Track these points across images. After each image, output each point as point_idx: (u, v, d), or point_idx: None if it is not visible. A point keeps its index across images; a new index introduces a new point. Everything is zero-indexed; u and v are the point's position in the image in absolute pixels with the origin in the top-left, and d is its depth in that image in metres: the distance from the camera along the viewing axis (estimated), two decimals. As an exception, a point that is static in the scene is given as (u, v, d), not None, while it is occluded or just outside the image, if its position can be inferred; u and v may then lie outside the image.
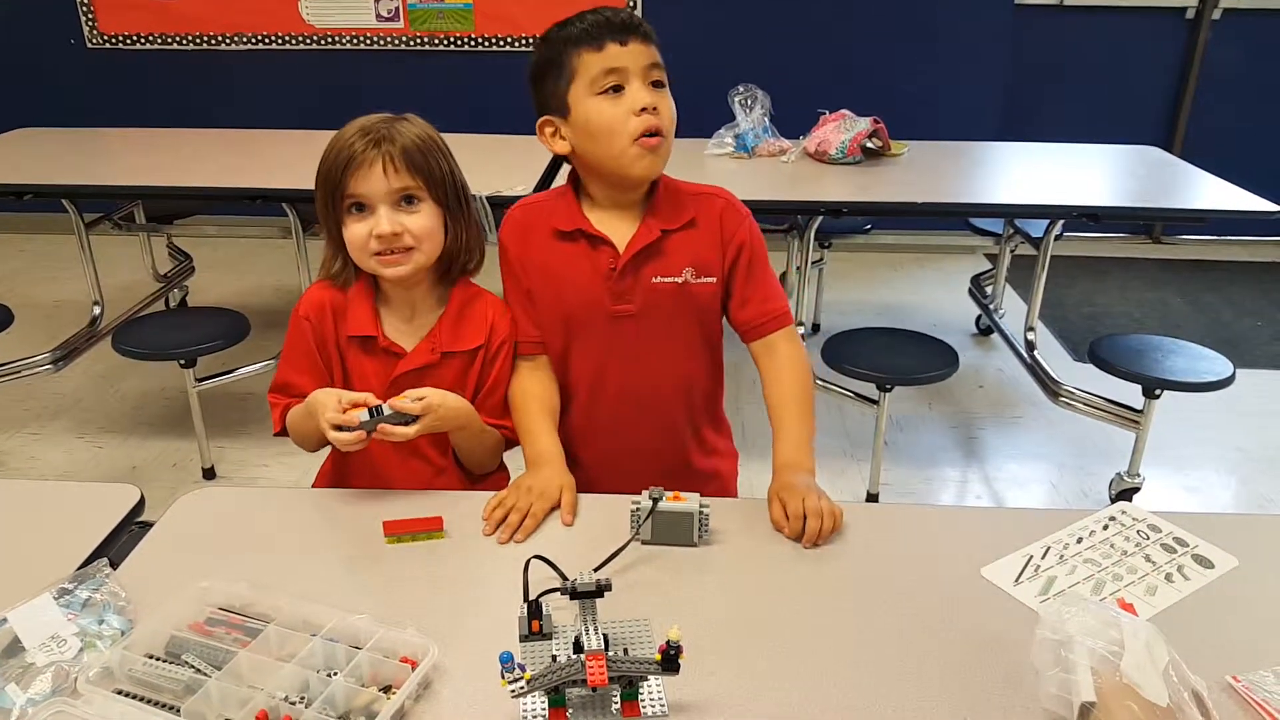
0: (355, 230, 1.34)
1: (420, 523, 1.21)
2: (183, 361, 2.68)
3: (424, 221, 1.34)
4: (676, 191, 1.45)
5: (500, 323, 1.44)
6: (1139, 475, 2.69)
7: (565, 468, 1.37)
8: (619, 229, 1.41)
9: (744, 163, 3.06)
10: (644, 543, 1.20)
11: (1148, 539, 1.22)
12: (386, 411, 1.24)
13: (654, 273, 1.41)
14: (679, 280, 1.42)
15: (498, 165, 2.88)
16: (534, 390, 1.45)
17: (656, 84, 1.35)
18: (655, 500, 1.18)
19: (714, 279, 1.43)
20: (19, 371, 3.00)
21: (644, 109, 1.32)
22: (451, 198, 1.37)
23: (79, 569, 1.11)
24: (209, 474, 2.82)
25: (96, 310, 3.26)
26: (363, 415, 1.24)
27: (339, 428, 1.24)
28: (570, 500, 1.29)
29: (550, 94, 1.37)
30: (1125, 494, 2.68)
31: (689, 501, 1.19)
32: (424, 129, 1.36)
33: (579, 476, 1.36)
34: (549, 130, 1.40)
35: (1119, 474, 2.73)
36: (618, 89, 1.33)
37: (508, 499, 1.27)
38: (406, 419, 1.26)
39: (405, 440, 1.27)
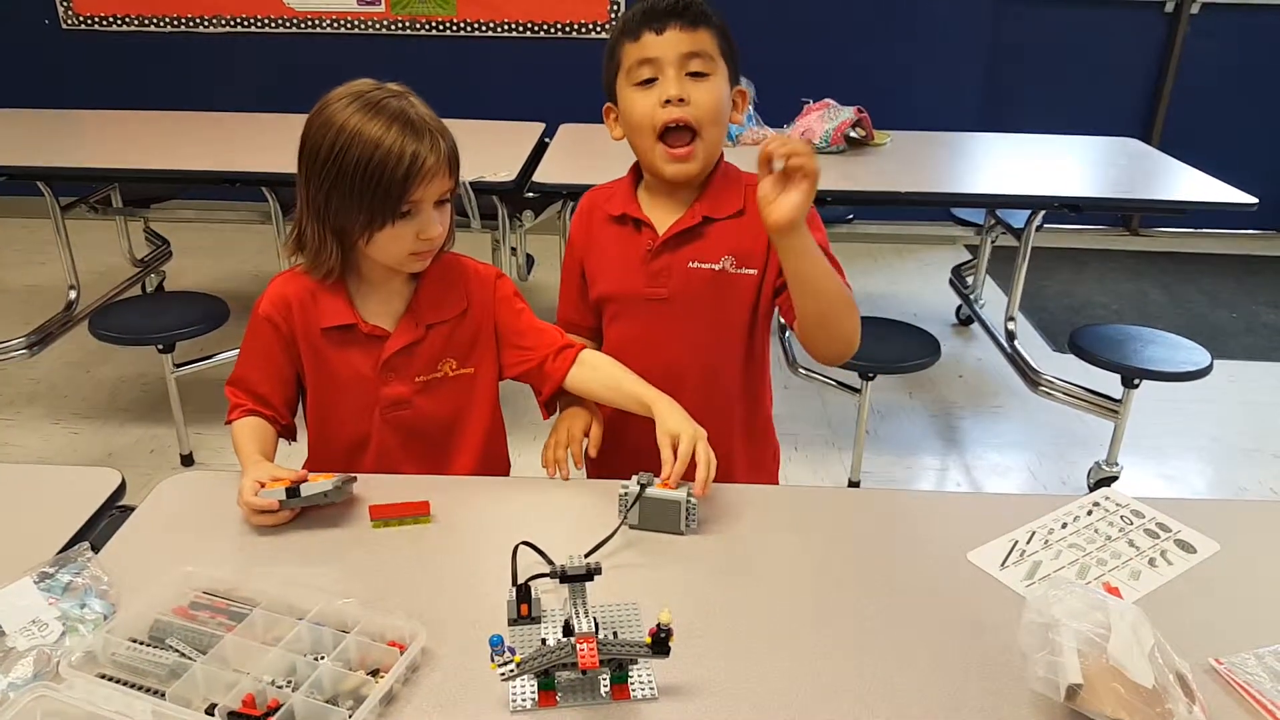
0: (401, 232, 1.27)
1: (406, 507, 1.20)
2: (161, 346, 2.66)
3: (448, 216, 1.34)
4: (733, 179, 1.43)
5: (476, 277, 1.41)
6: (1117, 464, 2.72)
7: (592, 408, 1.43)
8: (667, 215, 1.42)
9: (728, 151, 3.04)
10: (632, 527, 1.20)
11: (1131, 524, 1.23)
12: (304, 492, 1.17)
13: (691, 257, 1.40)
14: (716, 267, 1.40)
15: (480, 151, 2.85)
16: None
17: (696, 74, 1.32)
18: (643, 485, 1.18)
19: (755, 270, 1.40)
20: (-7, 356, 2.96)
21: (668, 100, 1.31)
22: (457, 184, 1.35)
23: (59, 553, 1.10)
24: (187, 460, 2.79)
25: (72, 294, 3.22)
26: (280, 494, 1.17)
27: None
28: (596, 435, 1.39)
29: (606, 81, 1.40)
30: (1104, 482, 2.71)
31: (678, 490, 1.19)
32: (429, 109, 1.31)
33: (619, 460, 1.34)
34: (610, 116, 1.42)
35: (1097, 463, 2.76)
36: (651, 80, 1.33)
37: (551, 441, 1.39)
38: (326, 491, 1.18)
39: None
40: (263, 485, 1.19)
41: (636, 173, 1.47)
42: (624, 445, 1.42)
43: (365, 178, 1.23)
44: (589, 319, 1.53)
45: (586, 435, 1.40)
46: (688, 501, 1.18)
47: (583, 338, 1.51)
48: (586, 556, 1.00)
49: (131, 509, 1.24)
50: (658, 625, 0.91)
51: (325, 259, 1.31)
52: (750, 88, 3.08)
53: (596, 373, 1.39)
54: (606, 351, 1.47)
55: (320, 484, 1.18)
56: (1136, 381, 2.59)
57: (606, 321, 1.50)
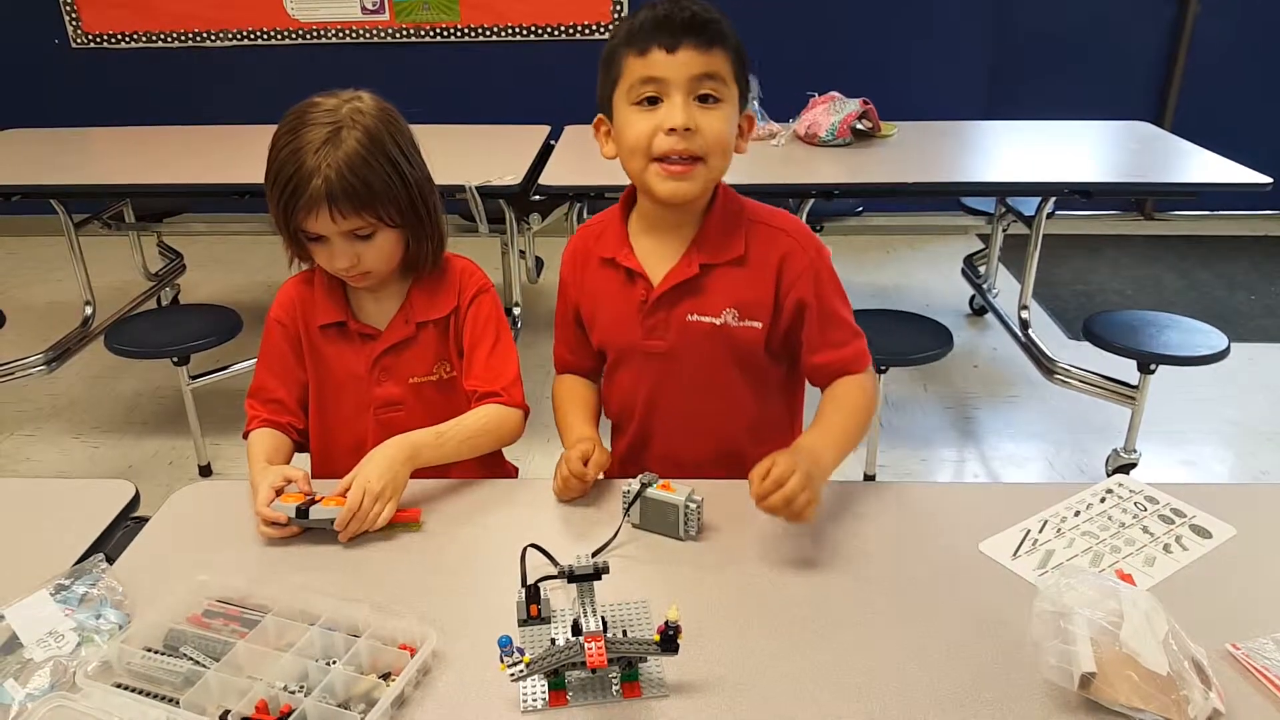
0: (316, 253, 1.33)
1: (396, 517, 1.21)
2: (176, 359, 2.68)
3: (378, 250, 1.31)
4: (734, 216, 1.31)
5: (468, 280, 1.42)
6: (1135, 451, 2.70)
7: (598, 440, 1.31)
8: (661, 257, 1.31)
9: (734, 147, 3.04)
10: (635, 526, 1.20)
11: (1145, 511, 1.22)
12: (312, 515, 1.17)
13: (690, 310, 1.30)
14: (717, 321, 1.30)
15: (486, 156, 2.86)
16: (568, 389, 1.44)
17: (706, 97, 1.20)
18: (644, 485, 1.18)
19: (760, 324, 1.30)
20: (12, 373, 2.99)
21: (673, 129, 1.18)
22: (407, 213, 1.31)
23: (75, 565, 1.11)
24: (205, 471, 2.81)
25: (88, 310, 3.25)
26: (290, 511, 1.18)
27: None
28: (599, 460, 1.25)
29: (601, 91, 1.27)
30: (1122, 470, 2.69)
31: (678, 493, 1.17)
32: (367, 141, 1.26)
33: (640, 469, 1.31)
34: (602, 129, 1.30)
35: (1115, 450, 2.74)
36: (654, 100, 1.20)
37: (562, 481, 1.26)
38: (332, 518, 1.17)
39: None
40: (279, 492, 1.21)
41: (626, 204, 1.36)
42: (649, 452, 1.43)
43: (273, 195, 1.28)
44: (587, 361, 1.46)
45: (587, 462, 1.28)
46: (687, 506, 1.16)
47: (584, 376, 1.47)
48: (594, 556, 0.99)
49: (146, 520, 1.25)
50: (665, 622, 0.91)
51: (302, 257, 1.36)
52: (755, 82, 3.10)
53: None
54: (616, 400, 1.43)
55: (330, 510, 1.18)
56: (1153, 367, 2.56)
57: (609, 368, 1.42)
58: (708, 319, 1.30)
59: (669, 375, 1.35)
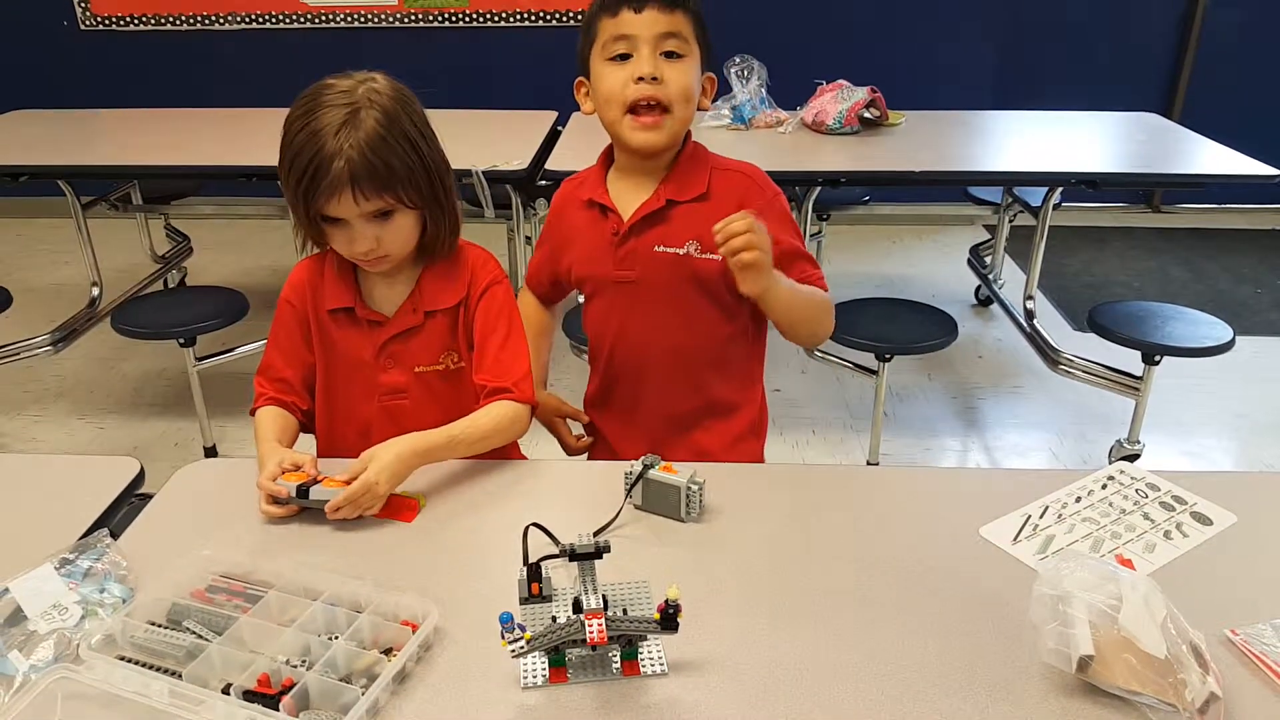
0: (333, 237, 1.32)
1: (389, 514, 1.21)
2: (182, 340, 2.68)
3: (397, 232, 1.31)
4: (700, 162, 1.44)
5: (480, 272, 1.41)
6: (1139, 442, 2.70)
7: (543, 396, 1.58)
8: (634, 197, 1.43)
9: (741, 134, 3.04)
10: (637, 508, 1.20)
11: (1146, 497, 1.22)
12: (312, 495, 1.18)
13: (656, 241, 1.42)
14: (680, 251, 1.41)
15: (493, 141, 2.86)
16: (527, 313, 1.57)
17: (670, 54, 1.34)
18: (647, 467, 1.19)
19: (719, 257, 1.37)
20: (19, 353, 3.00)
21: (641, 78, 1.33)
22: (426, 194, 1.31)
23: (80, 539, 1.12)
24: (211, 453, 2.82)
25: (95, 291, 3.26)
26: (292, 489, 1.19)
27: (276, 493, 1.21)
28: (571, 426, 1.63)
29: (581, 54, 1.41)
30: (1125, 460, 2.68)
31: (679, 475, 1.18)
32: (385, 120, 1.25)
33: (598, 443, 1.59)
34: (582, 90, 1.44)
35: (1119, 441, 2.74)
36: (625, 56, 1.34)
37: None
38: (331, 500, 1.18)
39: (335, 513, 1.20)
40: (284, 472, 1.21)
41: (606, 159, 1.49)
42: (619, 387, 1.53)
43: (290, 178, 1.26)
44: (546, 291, 1.63)
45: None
46: (688, 488, 1.17)
47: (542, 305, 1.65)
48: (595, 535, 1.00)
49: (150, 497, 1.26)
50: (666, 601, 0.91)
51: (317, 242, 1.36)
52: (763, 70, 3.10)
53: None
54: (591, 334, 1.55)
55: (329, 491, 1.18)
56: (1157, 358, 2.56)
57: (585, 299, 1.54)
58: (672, 249, 1.42)
59: (638, 303, 1.46)
